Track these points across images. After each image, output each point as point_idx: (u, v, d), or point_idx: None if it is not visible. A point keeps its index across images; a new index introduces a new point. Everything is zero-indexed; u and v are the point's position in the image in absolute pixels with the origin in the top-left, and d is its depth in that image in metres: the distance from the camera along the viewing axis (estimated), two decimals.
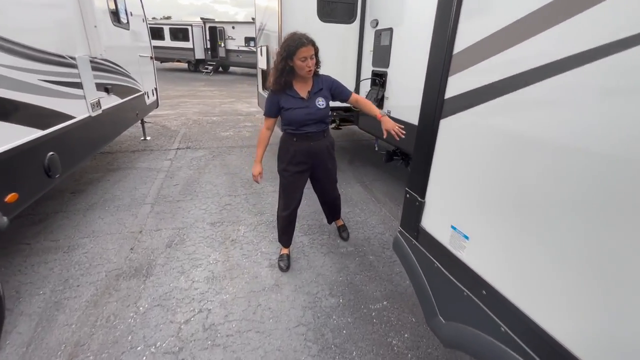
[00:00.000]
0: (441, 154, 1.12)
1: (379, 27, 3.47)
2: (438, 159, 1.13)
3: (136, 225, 2.98)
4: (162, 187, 3.83)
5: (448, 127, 1.06)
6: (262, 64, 4.84)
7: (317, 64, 1.99)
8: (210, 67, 19.16)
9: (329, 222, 2.96)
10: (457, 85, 1.00)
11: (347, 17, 3.82)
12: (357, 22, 3.84)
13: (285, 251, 2.54)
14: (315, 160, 2.22)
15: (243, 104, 10.02)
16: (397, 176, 4.43)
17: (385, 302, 2.16)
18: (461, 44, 0.97)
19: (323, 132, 2.15)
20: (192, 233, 2.89)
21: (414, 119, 3.01)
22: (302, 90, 2.02)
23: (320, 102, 2.02)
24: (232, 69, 22.47)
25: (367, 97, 3.75)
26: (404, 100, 3.17)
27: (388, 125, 2.01)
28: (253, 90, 13.17)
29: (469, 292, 0.97)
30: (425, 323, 1.28)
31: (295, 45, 1.81)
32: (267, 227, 3.04)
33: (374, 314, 2.06)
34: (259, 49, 5.17)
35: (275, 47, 3.94)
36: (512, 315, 0.84)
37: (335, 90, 2.13)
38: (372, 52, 3.65)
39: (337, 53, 3.91)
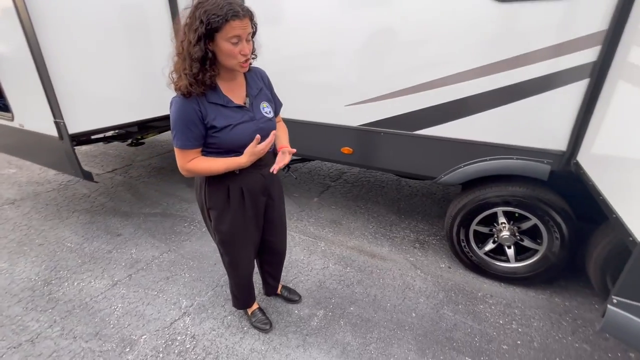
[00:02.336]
0: None
1: None
2: None
3: None
4: None
5: None
6: None
7: (253, 51, 1.22)
8: None
9: (270, 292, 1.96)
10: None
11: None
12: None
13: (255, 307, 1.86)
14: (267, 195, 1.49)
15: None
16: None
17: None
18: None
19: (273, 152, 1.43)
20: None
21: (305, 115, 2.36)
22: (234, 93, 1.24)
23: (267, 109, 1.33)
24: None
25: None
26: (290, 93, 2.40)
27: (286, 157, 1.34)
28: None
29: None
30: None
31: (223, 16, 1.03)
32: None
33: None
34: None
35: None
36: None
37: (272, 91, 1.44)
38: None
39: (133, 33, 2.47)
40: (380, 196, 3.37)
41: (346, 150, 2.31)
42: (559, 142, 1.69)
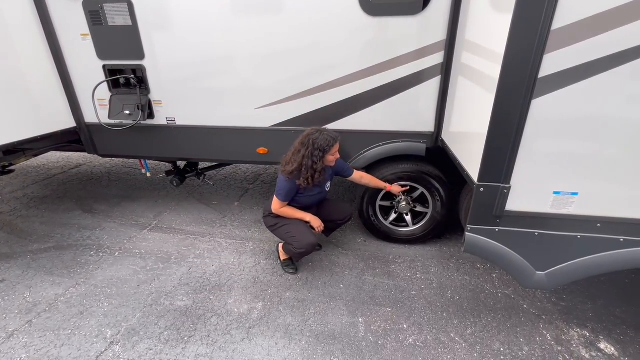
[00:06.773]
0: (535, 133, 1.10)
1: None
2: (531, 139, 1.11)
3: None
4: None
5: (544, 106, 1.05)
6: None
7: None
8: None
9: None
10: (556, 63, 0.99)
11: None
12: None
13: (286, 257, 2.32)
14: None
15: None
16: (188, 193, 3.47)
17: None
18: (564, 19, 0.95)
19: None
20: None
21: (217, 121, 2.41)
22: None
23: (328, 185, 2.15)
24: None
25: (113, 106, 2.46)
26: (196, 100, 2.40)
27: (398, 189, 2.31)
28: None
29: (583, 234, 1.17)
30: (523, 287, 1.36)
31: (331, 145, 1.87)
32: None
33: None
34: None
35: None
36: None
37: (340, 169, 2.15)
38: (89, 38, 2.30)
39: None
40: None
41: (262, 150, 2.45)
42: (428, 125, 2.18)
